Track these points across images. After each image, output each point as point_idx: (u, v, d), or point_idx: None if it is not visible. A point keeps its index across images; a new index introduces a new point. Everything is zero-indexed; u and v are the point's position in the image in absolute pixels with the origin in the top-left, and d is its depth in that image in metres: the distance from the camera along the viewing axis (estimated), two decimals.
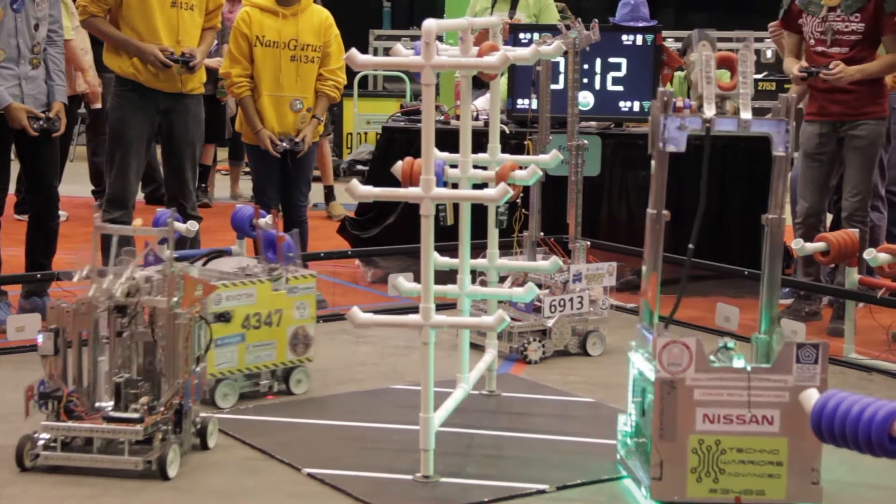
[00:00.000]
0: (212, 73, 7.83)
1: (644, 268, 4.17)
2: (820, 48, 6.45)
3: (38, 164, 6.23)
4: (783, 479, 3.87)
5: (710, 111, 3.99)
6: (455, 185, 4.64)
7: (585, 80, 6.94)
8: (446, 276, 4.70)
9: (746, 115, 4.00)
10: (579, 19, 6.18)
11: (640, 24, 7.91)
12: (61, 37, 6.34)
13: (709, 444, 3.81)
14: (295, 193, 6.83)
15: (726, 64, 4.17)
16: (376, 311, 4.30)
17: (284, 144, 6.64)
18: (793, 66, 6.58)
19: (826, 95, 6.49)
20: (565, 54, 5.89)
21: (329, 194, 10.05)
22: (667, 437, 3.80)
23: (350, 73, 8.58)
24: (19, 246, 6.46)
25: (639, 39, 7.47)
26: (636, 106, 7.43)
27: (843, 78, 6.32)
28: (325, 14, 6.81)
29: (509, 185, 4.26)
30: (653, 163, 4.08)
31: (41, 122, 6.06)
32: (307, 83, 6.71)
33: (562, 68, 6.90)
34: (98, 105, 8.39)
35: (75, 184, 9.86)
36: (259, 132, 6.63)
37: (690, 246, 4.11)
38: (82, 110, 9.19)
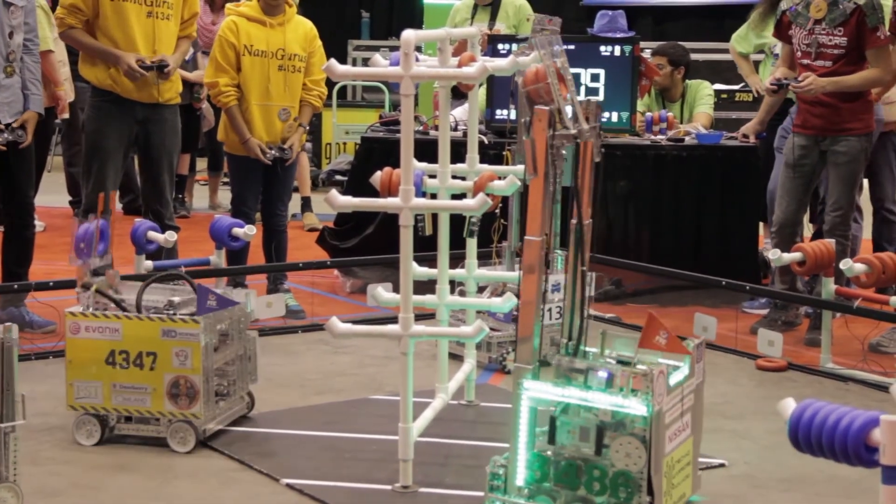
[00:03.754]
0: (185, 82, 7.80)
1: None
2: (806, 61, 6.41)
3: (11, 175, 6.18)
4: (691, 476, 3.89)
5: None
6: (434, 196, 4.65)
7: None
8: (425, 287, 4.70)
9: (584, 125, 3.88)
10: (531, 12, 6.15)
11: (618, 35, 7.94)
12: (37, 45, 6.29)
13: (670, 463, 3.73)
14: (276, 203, 6.82)
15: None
16: (355, 322, 4.30)
17: (274, 153, 6.65)
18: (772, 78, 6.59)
19: (809, 108, 6.45)
20: None
21: (305, 205, 10.01)
22: (657, 470, 3.61)
23: (329, 84, 8.58)
24: None
25: (616, 50, 7.50)
26: (614, 116, 7.45)
27: (813, 89, 6.29)
28: (308, 25, 6.83)
29: (488, 195, 4.27)
30: (533, 191, 3.61)
31: (5, 136, 6.01)
32: (294, 92, 6.71)
33: None
34: (66, 115, 8.35)
35: (53, 194, 9.82)
36: (248, 141, 6.61)
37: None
38: (59, 120, 9.15)
